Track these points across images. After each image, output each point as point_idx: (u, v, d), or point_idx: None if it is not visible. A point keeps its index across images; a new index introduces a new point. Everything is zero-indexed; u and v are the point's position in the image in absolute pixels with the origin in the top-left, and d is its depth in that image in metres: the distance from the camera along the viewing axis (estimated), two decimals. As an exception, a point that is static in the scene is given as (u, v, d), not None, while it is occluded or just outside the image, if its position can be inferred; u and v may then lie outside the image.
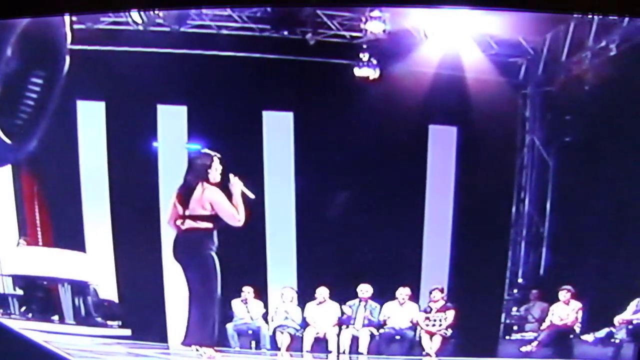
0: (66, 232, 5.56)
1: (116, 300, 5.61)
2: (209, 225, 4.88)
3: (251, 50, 5.08)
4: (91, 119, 5.41)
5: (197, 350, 5.09)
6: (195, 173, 4.84)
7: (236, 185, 4.74)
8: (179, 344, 5.25)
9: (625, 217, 5.12)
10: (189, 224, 4.89)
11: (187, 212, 4.87)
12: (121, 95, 5.30)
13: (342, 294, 5.43)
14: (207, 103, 5.29)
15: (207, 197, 4.80)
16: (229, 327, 5.52)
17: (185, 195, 4.83)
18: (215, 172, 4.82)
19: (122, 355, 5.27)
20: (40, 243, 5.60)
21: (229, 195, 4.73)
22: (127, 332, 5.56)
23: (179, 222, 4.92)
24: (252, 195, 4.74)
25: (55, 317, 5.55)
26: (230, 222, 4.77)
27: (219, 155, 4.76)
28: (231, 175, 4.71)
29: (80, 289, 5.65)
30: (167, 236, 5.24)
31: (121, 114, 5.39)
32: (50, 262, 5.52)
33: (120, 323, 5.61)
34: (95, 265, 5.58)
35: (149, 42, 5.13)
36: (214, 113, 5.30)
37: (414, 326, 5.47)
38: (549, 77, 5.40)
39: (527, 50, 5.32)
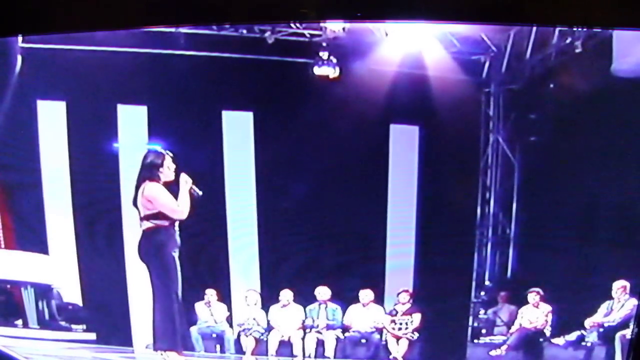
0: (28, 234, 5.48)
1: (80, 303, 5.53)
2: (163, 222, 4.91)
3: (210, 49, 5.00)
4: (52, 119, 5.34)
5: (161, 354, 5.10)
6: (146, 173, 4.91)
7: (185, 182, 4.84)
8: (145, 348, 5.24)
9: (594, 217, 5.04)
10: (146, 224, 4.99)
11: (140, 214, 4.97)
12: (82, 95, 5.23)
13: (306, 296, 5.36)
14: (167, 103, 5.21)
15: (146, 195, 4.91)
16: (193, 330, 5.46)
17: (135, 197, 4.94)
18: (168, 170, 4.90)
19: (87, 359, 5.22)
20: (2, 246, 5.53)
21: (176, 191, 4.82)
22: (92, 336, 5.48)
23: (140, 224, 5.04)
24: (199, 192, 4.86)
25: (19, 322, 5.48)
26: (173, 216, 4.89)
27: (170, 154, 4.77)
28: (182, 174, 4.82)
29: (43, 292, 5.60)
30: (130, 238, 5.20)
31: (82, 114, 5.32)
32: (13, 265, 5.46)
33: (84, 327, 5.52)
34: (58, 267, 5.52)
35: (108, 41, 5.05)
36: (174, 113, 5.22)
37: (380, 329, 5.38)
38: (512, 75, 5.30)
39: (490, 47, 5.21)
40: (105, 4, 4.06)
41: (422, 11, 3.82)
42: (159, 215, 4.94)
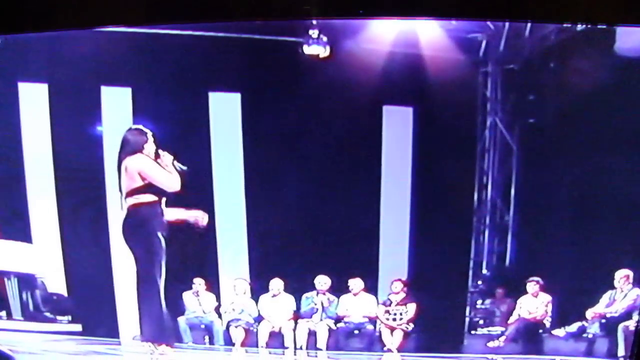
0: (10, 221, 5.33)
1: (65, 293, 5.38)
2: (152, 197, 4.86)
3: (196, 28, 4.83)
4: (34, 102, 5.19)
5: (149, 346, 5.02)
6: (129, 149, 4.85)
7: (166, 158, 4.79)
8: (132, 340, 5.15)
9: (595, 204, 4.86)
10: (130, 201, 4.92)
11: (124, 192, 4.93)
12: (64, 77, 5.07)
13: (297, 285, 5.22)
14: (152, 84, 5.06)
15: (134, 167, 4.83)
16: (181, 321, 5.31)
17: (118, 176, 4.87)
18: (151, 147, 4.84)
19: (72, 352, 5.15)
20: (-16, 235, 5.39)
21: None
22: (78, 327, 5.36)
23: (124, 202, 5.00)
24: (184, 167, 4.82)
25: (3, 313, 5.37)
26: (165, 188, 4.85)
27: (151, 133, 4.75)
28: (160, 151, 4.79)
29: (27, 282, 5.46)
30: (116, 225, 5.07)
31: (65, 96, 5.16)
32: (-5, 255, 5.31)
33: (70, 318, 5.40)
34: (42, 256, 5.38)
35: (91, 21, 4.89)
36: (159, 95, 5.06)
37: (373, 320, 5.24)
38: (511, 54, 5.07)
39: (487, 25, 5.01)
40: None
41: (425, 8, 3.92)
42: (147, 189, 4.88)
